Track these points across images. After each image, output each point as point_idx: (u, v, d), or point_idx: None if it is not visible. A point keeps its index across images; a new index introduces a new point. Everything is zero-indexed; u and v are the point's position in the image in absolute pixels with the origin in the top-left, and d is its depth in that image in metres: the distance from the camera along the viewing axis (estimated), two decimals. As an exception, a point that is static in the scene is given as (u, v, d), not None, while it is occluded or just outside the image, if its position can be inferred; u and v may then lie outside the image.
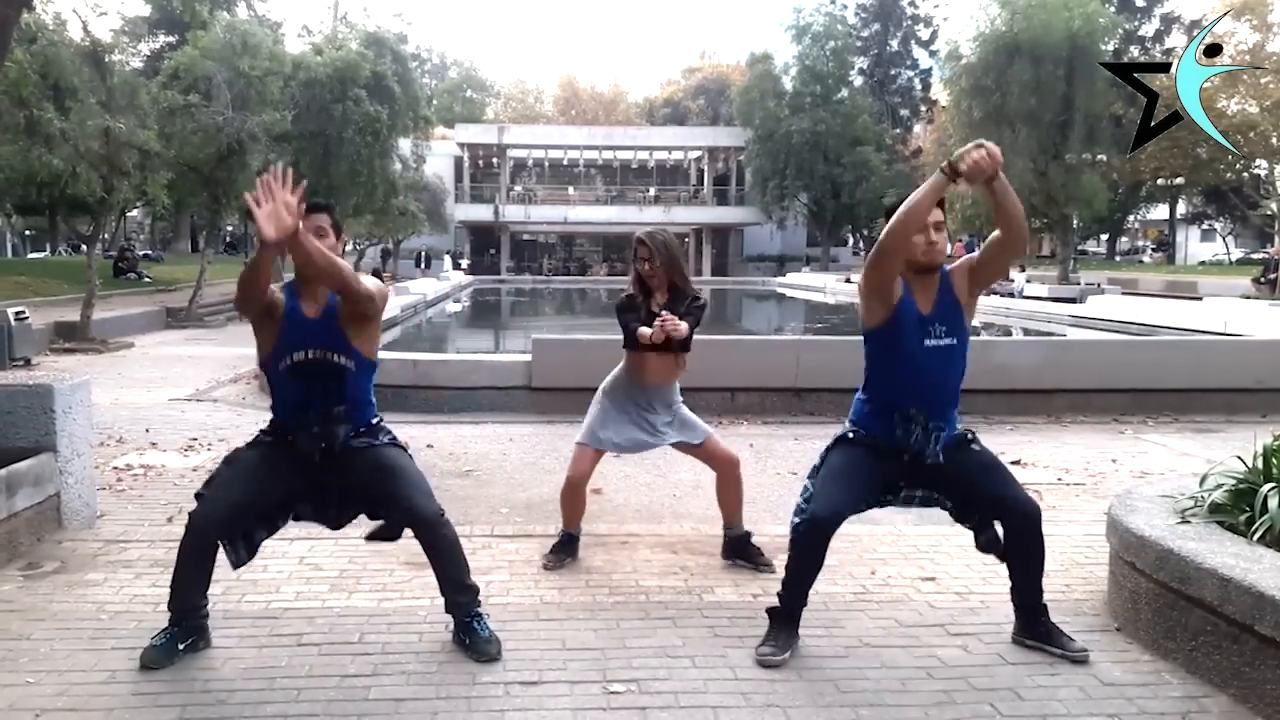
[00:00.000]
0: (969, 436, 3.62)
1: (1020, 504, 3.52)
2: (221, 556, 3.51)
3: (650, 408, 4.55)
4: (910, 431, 3.47)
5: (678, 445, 4.64)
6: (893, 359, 3.53)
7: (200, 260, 22.81)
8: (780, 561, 4.56)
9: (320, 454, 3.47)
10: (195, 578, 3.49)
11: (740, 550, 4.61)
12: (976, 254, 3.58)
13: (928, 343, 3.47)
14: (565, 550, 4.61)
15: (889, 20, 56.38)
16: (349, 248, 34.12)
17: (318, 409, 3.47)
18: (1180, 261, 54.61)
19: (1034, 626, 3.62)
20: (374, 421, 3.64)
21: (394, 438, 3.68)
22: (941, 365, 3.51)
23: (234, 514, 3.46)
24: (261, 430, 3.65)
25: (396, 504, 3.54)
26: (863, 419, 3.62)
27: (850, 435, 3.62)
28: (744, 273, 52.08)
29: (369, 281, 3.49)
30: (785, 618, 3.60)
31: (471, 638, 3.53)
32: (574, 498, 4.62)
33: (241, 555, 3.54)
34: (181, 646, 3.44)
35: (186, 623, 3.48)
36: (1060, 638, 3.56)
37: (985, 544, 3.67)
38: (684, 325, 4.23)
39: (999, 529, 3.62)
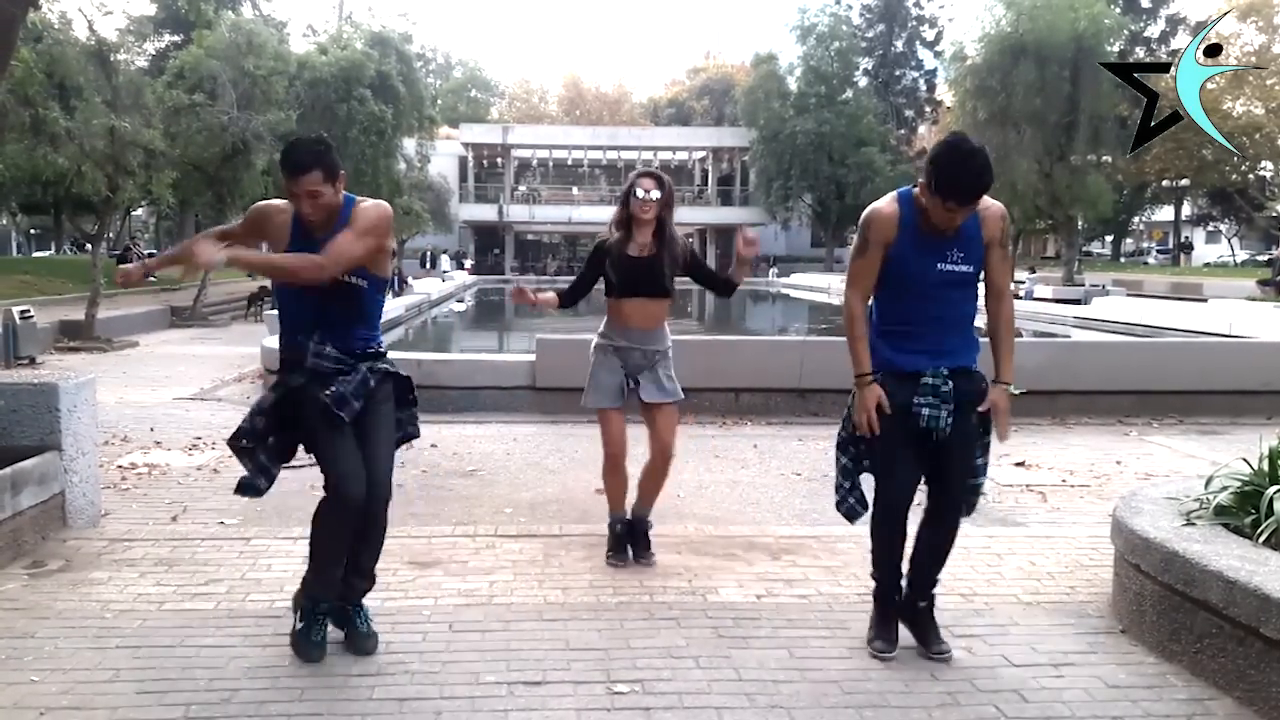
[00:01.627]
0: (980, 388, 3.48)
1: (954, 496, 3.51)
2: (233, 554, 3.50)
3: (631, 354, 4.45)
4: (927, 404, 3.37)
5: (644, 406, 4.50)
6: (899, 288, 3.44)
7: (205, 259, 22.77)
8: (785, 561, 4.57)
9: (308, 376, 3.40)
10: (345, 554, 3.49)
11: (636, 539, 4.59)
12: (1002, 238, 3.48)
13: (941, 267, 3.38)
14: (622, 543, 4.58)
15: (894, 21, 56.29)
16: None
17: (338, 326, 3.43)
18: (1184, 263, 54.49)
19: (911, 613, 3.63)
20: (379, 348, 3.58)
21: (392, 369, 3.58)
22: (955, 291, 3.41)
23: (362, 470, 3.41)
24: (278, 382, 3.56)
25: (369, 453, 3.45)
26: (877, 354, 3.50)
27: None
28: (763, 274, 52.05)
29: (362, 218, 3.35)
30: (887, 601, 3.61)
31: (351, 629, 3.56)
32: (614, 477, 4.60)
33: (261, 482, 3.50)
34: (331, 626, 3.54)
35: (334, 603, 3.54)
36: (930, 637, 3.56)
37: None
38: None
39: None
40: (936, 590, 3.66)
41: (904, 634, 3.65)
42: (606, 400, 4.47)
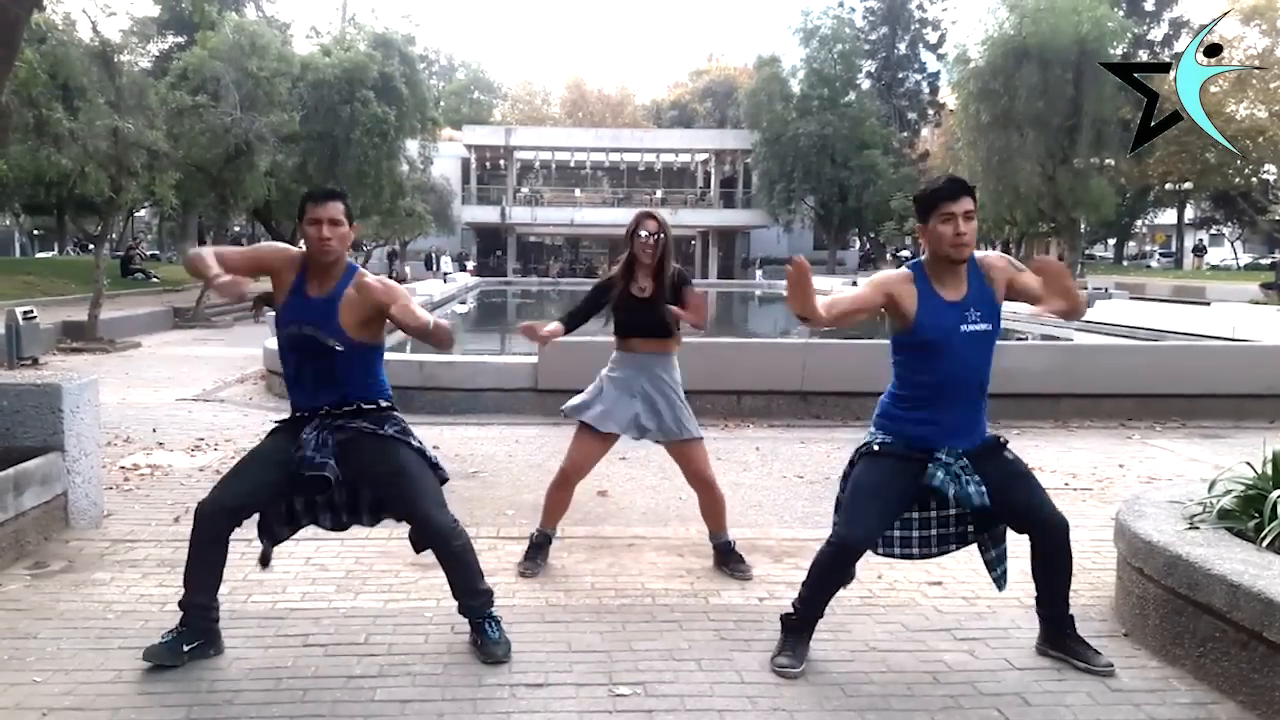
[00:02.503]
0: (1001, 441, 3.52)
1: (1050, 516, 3.45)
2: (235, 555, 3.51)
3: (640, 374, 4.43)
4: (939, 477, 3.34)
5: (666, 445, 4.53)
6: (925, 353, 3.42)
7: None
8: (787, 564, 4.56)
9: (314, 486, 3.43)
10: (204, 574, 3.44)
11: (725, 558, 4.58)
12: (1015, 269, 3.47)
13: (964, 329, 3.37)
14: (540, 553, 4.57)
15: (897, 23, 56.27)
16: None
17: (309, 385, 3.48)
18: (1187, 266, 54.43)
19: (1058, 638, 3.58)
20: (382, 405, 3.57)
21: (402, 428, 3.59)
22: (978, 351, 3.41)
23: (240, 500, 3.42)
24: (278, 421, 3.64)
25: (408, 513, 3.52)
26: (893, 421, 3.49)
27: (877, 448, 3.48)
28: (750, 275, 52.05)
29: (398, 293, 3.46)
30: (800, 627, 3.56)
31: (482, 638, 3.54)
32: (560, 492, 4.58)
33: (266, 546, 3.60)
34: (187, 648, 3.40)
35: (195, 624, 3.45)
36: (1086, 651, 3.50)
37: (993, 560, 3.61)
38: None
39: (1006, 547, 3.58)
40: (939, 593, 3.66)
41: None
42: (601, 422, 4.41)
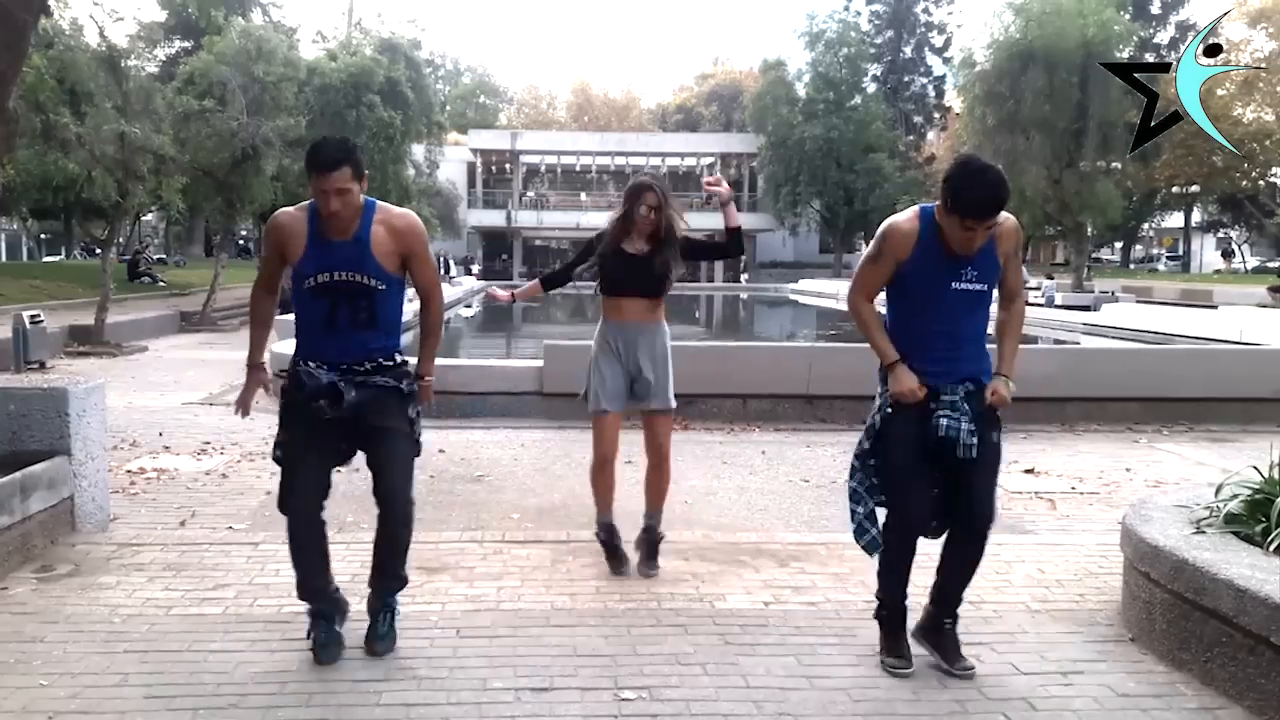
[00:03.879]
0: (996, 415, 3.49)
1: (987, 509, 3.48)
2: (241, 559, 3.51)
3: (631, 348, 4.43)
4: (945, 416, 3.35)
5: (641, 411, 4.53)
6: (913, 304, 3.43)
7: (214, 264, 22.90)
8: (793, 568, 4.56)
9: (329, 404, 3.41)
10: (312, 557, 3.56)
11: (647, 545, 4.58)
12: (1016, 249, 3.48)
13: (956, 285, 3.36)
14: (617, 552, 4.56)
15: (902, 27, 56.31)
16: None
17: (345, 328, 3.46)
18: (1194, 270, 54.31)
19: (934, 632, 3.59)
20: (398, 360, 3.60)
21: (412, 386, 3.62)
22: (968, 309, 3.40)
23: (311, 490, 3.50)
24: (283, 385, 3.57)
25: (380, 471, 3.53)
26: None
27: (890, 410, 3.47)
28: (756, 279, 52.05)
29: (421, 242, 3.63)
30: (893, 621, 3.58)
31: (375, 628, 3.59)
32: (601, 476, 4.59)
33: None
34: (338, 628, 3.57)
35: (324, 606, 3.56)
36: (952, 654, 3.51)
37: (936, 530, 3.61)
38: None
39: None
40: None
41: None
42: (609, 403, 4.46)
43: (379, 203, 3.54)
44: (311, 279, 3.44)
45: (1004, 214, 3.40)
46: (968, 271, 3.36)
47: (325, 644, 3.50)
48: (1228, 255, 53.71)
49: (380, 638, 3.57)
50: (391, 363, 3.57)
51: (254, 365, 3.74)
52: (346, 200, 3.34)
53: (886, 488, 3.53)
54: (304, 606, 3.61)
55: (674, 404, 4.55)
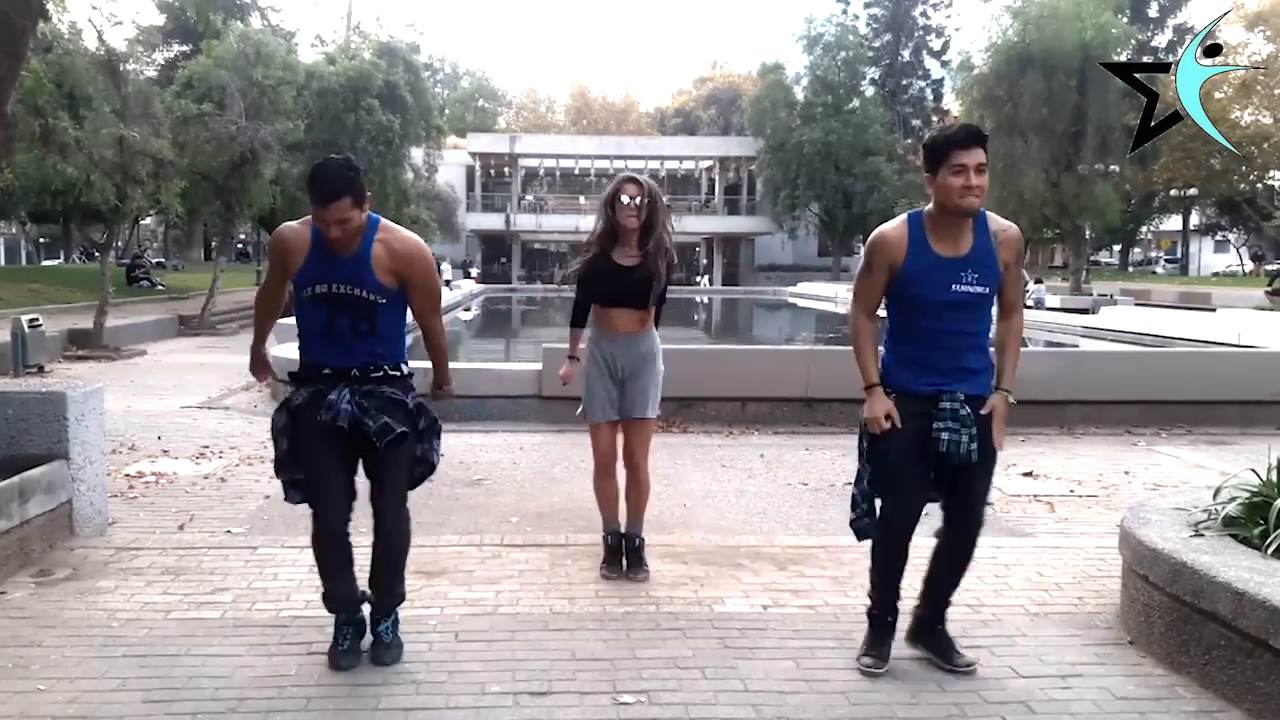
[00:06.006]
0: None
1: (978, 513, 3.48)
2: (239, 563, 3.50)
3: (620, 359, 4.43)
4: (946, 429, 3.33)
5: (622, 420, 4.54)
6: (912, 308, 3.40)
7: (213, 268, 22.90)
8: (791, 571, 4.56)
9: (334, 420, 3.42)
10: (338, 566, 3.56)
11: (629, 553, 4.56)
12: (1018, 256, 3.47)
13: (956, 289, 3.32)
14: (616, 555, 4.56)
15: (900, 31, 56.35)
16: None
17: (346, 337, 3.46)
18: (1193, 272, 54.36)
19: (929, 634, 3.60)
20: (404, 372, 3.61)
21: (419, 403, 3.64)
22: (968, 313, 3.37)
23: (337, 509, 3.49)
24: (286, 399, 3.59)
25: (379, 482, 3.52)
26: (890, 373, 3.48)
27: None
28: (755, 282, 52.10)
29: (425, 271, 3.57)
30: (881, 620, 3.58)
31: (379, 639, 3.58)
32: (604, 482, 4.59)
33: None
34: (361, 638, 3.58)
35: (349, 609, 3.56)
36: (949, 652, 3.53)
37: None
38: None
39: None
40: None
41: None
42: (600, 414, 4.48)
43: (383, 220, 3.53)
44: (311, 289, 3.46)
45: (1006, 222, 3.43)
46: (967, 274, 3.34)
47: (346, 652, 3.51)
48: (1257, 258, 53.25)
49: (387, 647, 3.56)
50: (399, 374, 3.59)
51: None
52: (347, 227, 3.35)
53: (881, 489, 3.54)
54: (326, 612, 3.60)
55: (654, 414, 4.54)
